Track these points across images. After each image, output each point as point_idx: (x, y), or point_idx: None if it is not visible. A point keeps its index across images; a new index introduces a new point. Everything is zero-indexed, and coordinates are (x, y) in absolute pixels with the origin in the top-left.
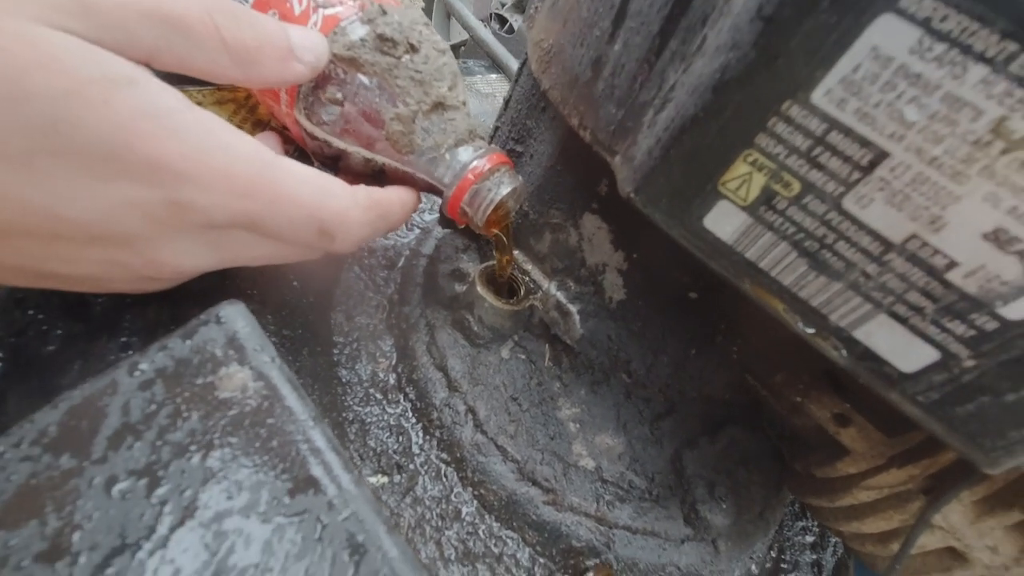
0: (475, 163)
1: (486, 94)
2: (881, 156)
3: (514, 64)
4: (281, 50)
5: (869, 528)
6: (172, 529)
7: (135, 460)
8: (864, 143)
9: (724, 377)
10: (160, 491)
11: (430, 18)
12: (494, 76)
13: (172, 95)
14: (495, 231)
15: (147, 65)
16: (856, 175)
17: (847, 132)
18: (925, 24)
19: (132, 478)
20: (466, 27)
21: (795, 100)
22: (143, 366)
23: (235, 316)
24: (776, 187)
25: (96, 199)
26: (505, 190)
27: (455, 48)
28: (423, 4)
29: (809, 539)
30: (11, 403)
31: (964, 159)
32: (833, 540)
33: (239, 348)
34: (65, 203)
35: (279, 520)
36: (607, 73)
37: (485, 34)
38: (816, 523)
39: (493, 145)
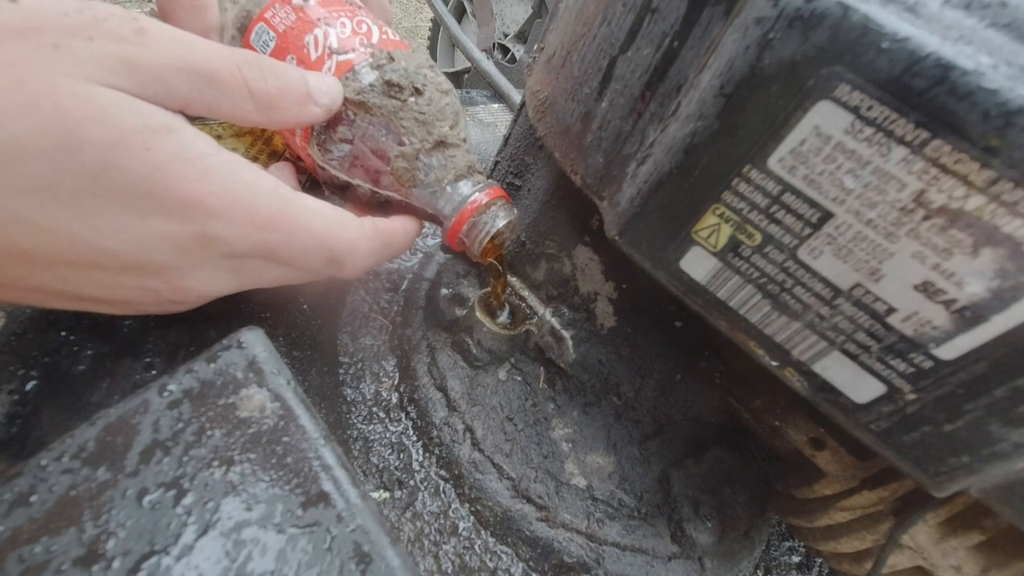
0: (473, 197)
1: (488, 123)
2: (827, 216)
3: (515, 94)
4: (300, 95)
5: (844, 548)
6: (196, 537)
7: (164, 473)
8: (812, 204)
9: (708, 400)
10: (186, 502)
11: (436, 48)
12: (496, 106)
13: (204, 140)
14: (490, 259)
15: (181, 112)
16: (807, 230)
17: (798, 194)
18: (855, 111)
19: (161, 490)
20: (469, 59)
21: (754, 164)
22: (172, 387)
23: (254, 341)
24: (741, 237)
25: (133, 233)
26: (501, 223)
27: (459, 75)
28: (429, 34)
29: (795, 559)
30: (44, 417)
31: (894, 222)
32: (819, 560)
33: (258, 371)
34: (106, 237)
35: (292, 531)
36: (595, 127)
37: (488, 66)
38: (803, 544)
39: (491, 180)
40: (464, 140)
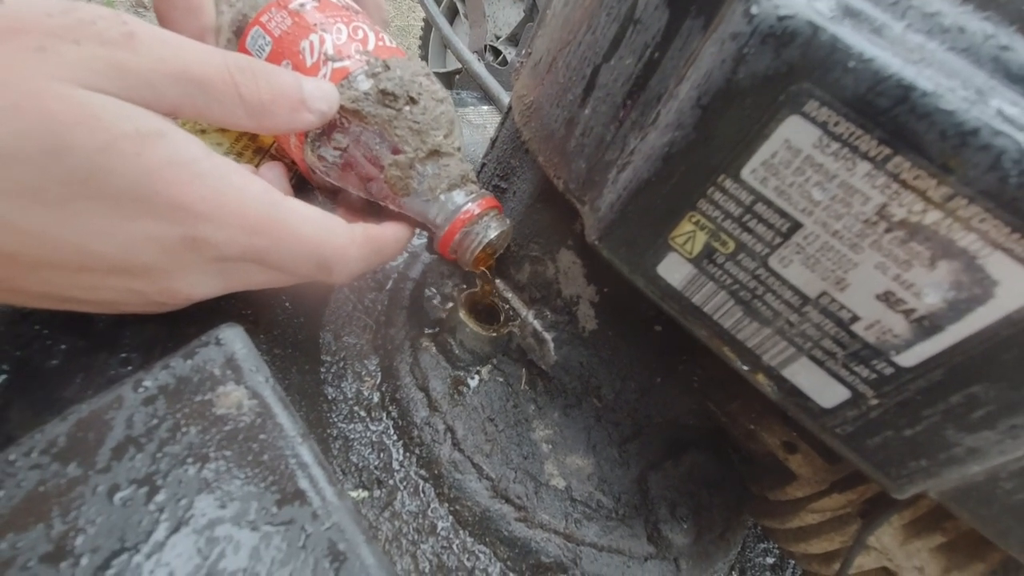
0: (466, 207)
1: (477, 125)
2: (796, 226)
3: (505, 96)
4: (293, 102)
5: (814, 549)
6: (168, 534)
7: (136, 470)
8: (783, 214)
9: (687, 403)
10: (158, 499)
11: (427, 49)
12: (486, 108)
13: (195, 144)
14: (481, 268)
15: (172, 116)
16: (778, 240)
17: (769, 204)
18: (823, 126)
19: (133, 486)
20: (460, 60)
21: (728, 175)
22: (147, 383)
23: (233, 338)
24: (715, 244)
25: (121, 236)
26: (492, 234)
27: (450, 76)
28: (421, 33)
29: (769, 561)
30: (14, 413)
31: (858, 234)
32: (792, 562)
33: (236, 368)
34: (93, 240)
35: (266, 528)
36: (578, 133)
37: (479, 68)
38: (777, 545)
39: (484, 190)
40: (458, 149)
